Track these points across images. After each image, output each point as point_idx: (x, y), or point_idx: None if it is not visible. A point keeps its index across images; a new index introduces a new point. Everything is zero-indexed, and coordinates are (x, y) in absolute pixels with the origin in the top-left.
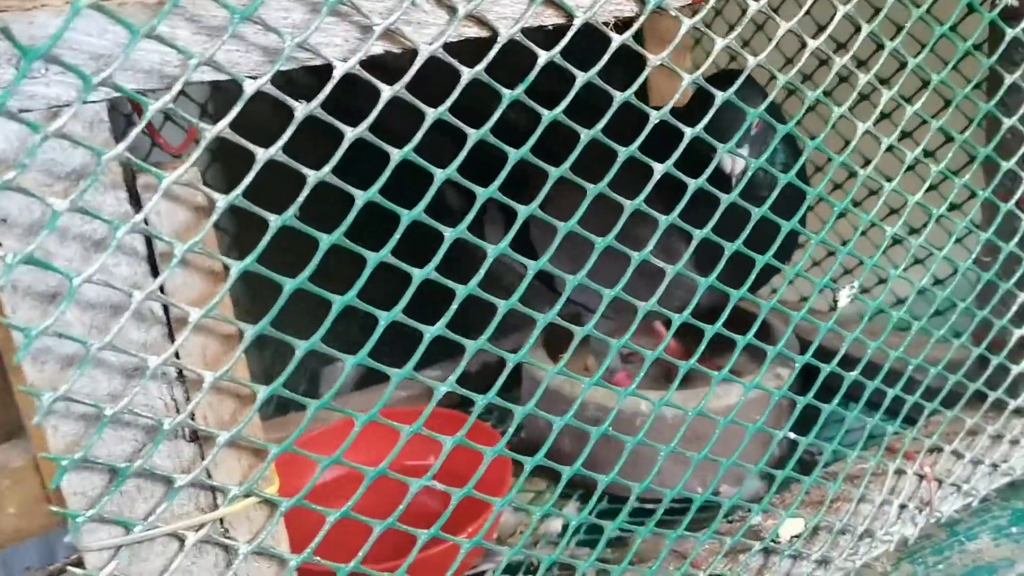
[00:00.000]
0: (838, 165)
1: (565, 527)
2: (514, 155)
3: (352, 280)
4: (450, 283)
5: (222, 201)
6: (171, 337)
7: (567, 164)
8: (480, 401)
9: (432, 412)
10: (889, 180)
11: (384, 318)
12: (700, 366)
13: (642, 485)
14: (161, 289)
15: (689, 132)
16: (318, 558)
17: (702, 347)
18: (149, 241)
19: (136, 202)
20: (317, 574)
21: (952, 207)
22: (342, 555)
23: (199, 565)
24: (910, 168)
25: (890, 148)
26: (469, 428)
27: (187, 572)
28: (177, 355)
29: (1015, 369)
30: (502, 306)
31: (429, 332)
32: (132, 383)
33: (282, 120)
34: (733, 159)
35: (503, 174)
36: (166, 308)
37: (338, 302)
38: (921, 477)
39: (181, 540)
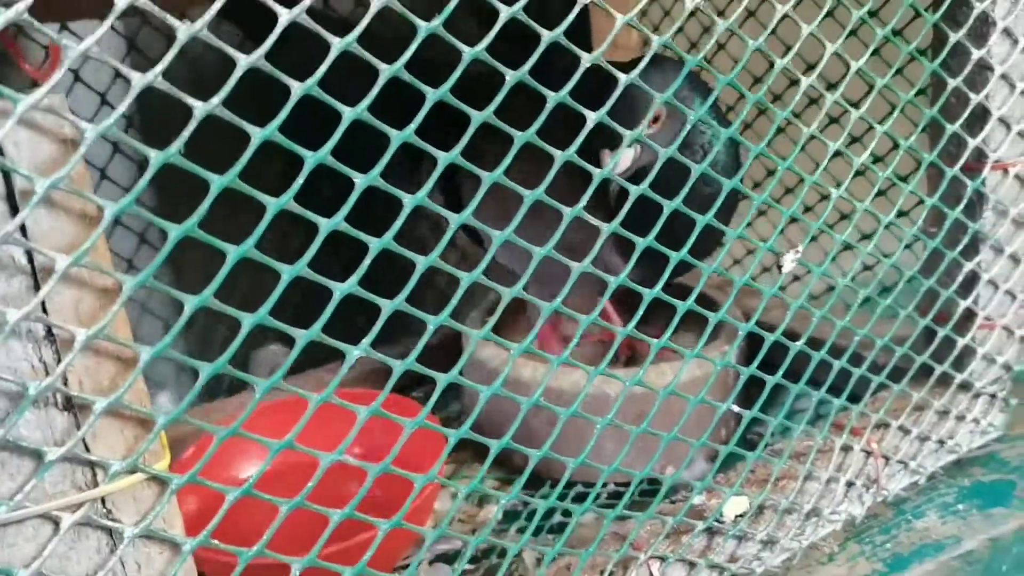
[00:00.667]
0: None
1: (505, 514)
2: (433, 95)
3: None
4: (362, 236)
5: (91, 132)
6: (37, 288)
7: (490, 109)
8: (398, 367)
9: (365, 396)
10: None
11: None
12: (637, 332)
13: (577, 460)
14: (24, 233)
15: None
16: (215, 542)
17: (639, 313)
18: (7, 177)
19: None
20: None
21: (898, 178)
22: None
23: (78, 550)
24: (855, 140)
25: (835, 119)
26: (386, 400)
27: (64, 558)
28: (45, 310)
29: (961, 341)
30: (421, 263)
31: (339, 288)
32: None
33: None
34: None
35: (420, 116)
36: (30, 255)
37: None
38: (868, 454)
39: (56, 522)
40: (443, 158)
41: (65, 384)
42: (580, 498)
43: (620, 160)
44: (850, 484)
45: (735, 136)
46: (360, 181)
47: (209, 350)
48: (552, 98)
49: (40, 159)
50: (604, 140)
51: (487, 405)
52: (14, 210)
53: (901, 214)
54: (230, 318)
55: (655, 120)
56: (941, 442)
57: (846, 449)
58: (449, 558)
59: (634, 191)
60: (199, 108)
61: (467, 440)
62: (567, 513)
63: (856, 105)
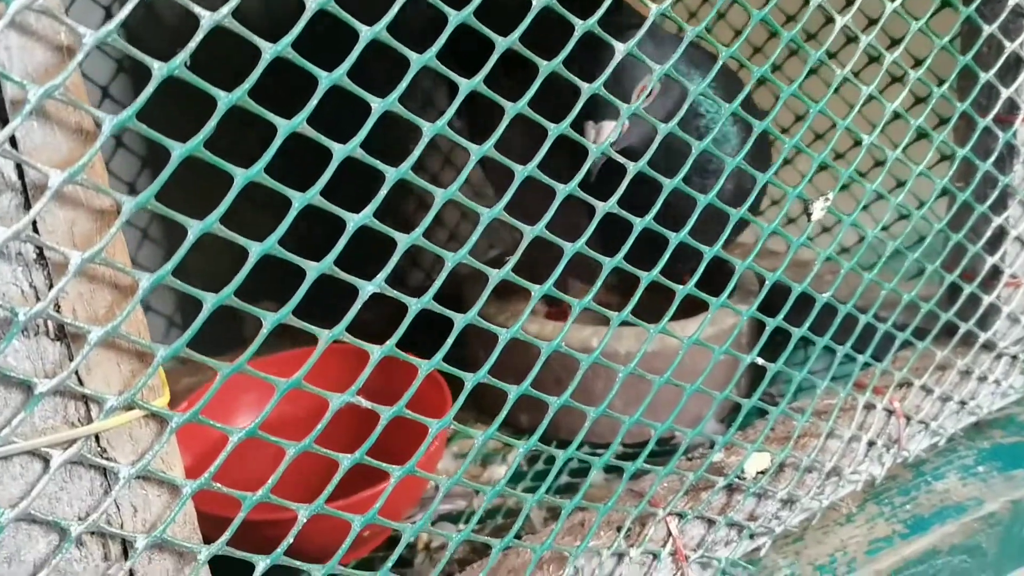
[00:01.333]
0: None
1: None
2: (455, 17)
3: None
4: (378, 164)
5: (90, 38)
6: (28, 207)
7: (515, 35)
8: (414, 306)
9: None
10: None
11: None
12: (661, 277)
13: (597, 412)
14: (13, 145)
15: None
16: (218, 484)
17: (661, 263)
18: None
19: None
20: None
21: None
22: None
23: (70, 491)
24: (882, 91)
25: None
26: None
27: (54, 499)
28: (36, 230)
29: (986, 299)
30: (439, 195)
31: (354, 220)
32: None
33: None
34: (598, 128)
35: (441, 39)
36: (21, 171)
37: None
38: (890, 413)
39: (45, 460)
40: (464, 85)
41: (58, 311)
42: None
43: (601, 132)
44: (871, 444)
45: (753, 121)
46: (377, 106)
47: (195, 301)
48: (544, 67)
49: (33, 66)
50: (587, 111)
51: (494, 361)
52: (4, 121)
53: (923, 172)
54: (218, 265)
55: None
56: (963, 403)
57: (868, 407)
58: (453, 518)
59: (631, 168)
60: (207, 18)
61: (469, 400)
62: (574, 473)
63: (889, 49)
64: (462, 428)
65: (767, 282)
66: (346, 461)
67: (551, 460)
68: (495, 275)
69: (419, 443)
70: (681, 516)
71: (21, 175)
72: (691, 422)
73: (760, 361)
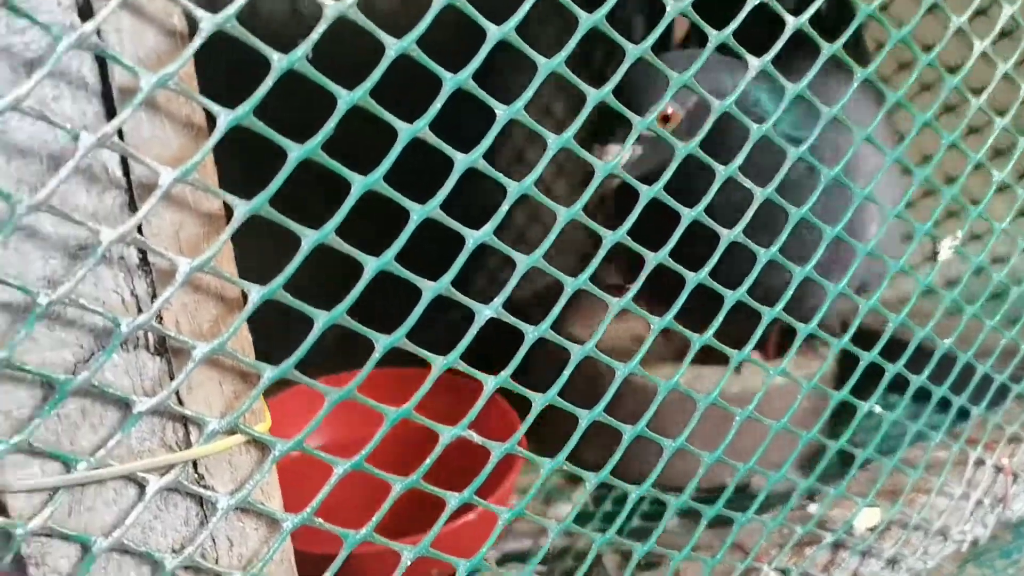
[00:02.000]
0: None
1: (577, 517)
2: None
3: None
4: (448, 149)
5: (208, 22)
6: (133, 207)
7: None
8: (481, 314)
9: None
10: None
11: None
12: (782, 313)
13: (711, 457)
14: (120, 137)
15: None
16: (320, 520)
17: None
18: (104, 68)
19: (89, 13)
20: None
21: None
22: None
23: (164, 520)
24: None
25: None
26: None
27: (148, 528)
28: (141, 232)
29: None
30: (513, 189)
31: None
32: (78, 265)
33: None
34: (602, 151)
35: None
36: (126, 167)
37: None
38: (999, 470)
39: (141, 486)
40: (544, 65)
41: (160, 322)
42: (655, 502)
43: (604, 156)
44: (979, 502)
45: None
46: (449, 83)
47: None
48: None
49: (144, 52)
50: (599, 132)
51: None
52: (111, 112)
53: None
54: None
55: (664, 120)
56: None
57: (979, 464)
58: (519, 557)
59: (645, 192)
60: (330, 7)
61: (530, 432)
62: (647, 517)
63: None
64: (533, 458)
65: (889, 325)
66: (454, 500)
67: (620, 500)
68: (571, 283)
69: (476, 466)
70: (784, 573)
71: (127, 171)
72: (769, 470)
73: (877, 409)
